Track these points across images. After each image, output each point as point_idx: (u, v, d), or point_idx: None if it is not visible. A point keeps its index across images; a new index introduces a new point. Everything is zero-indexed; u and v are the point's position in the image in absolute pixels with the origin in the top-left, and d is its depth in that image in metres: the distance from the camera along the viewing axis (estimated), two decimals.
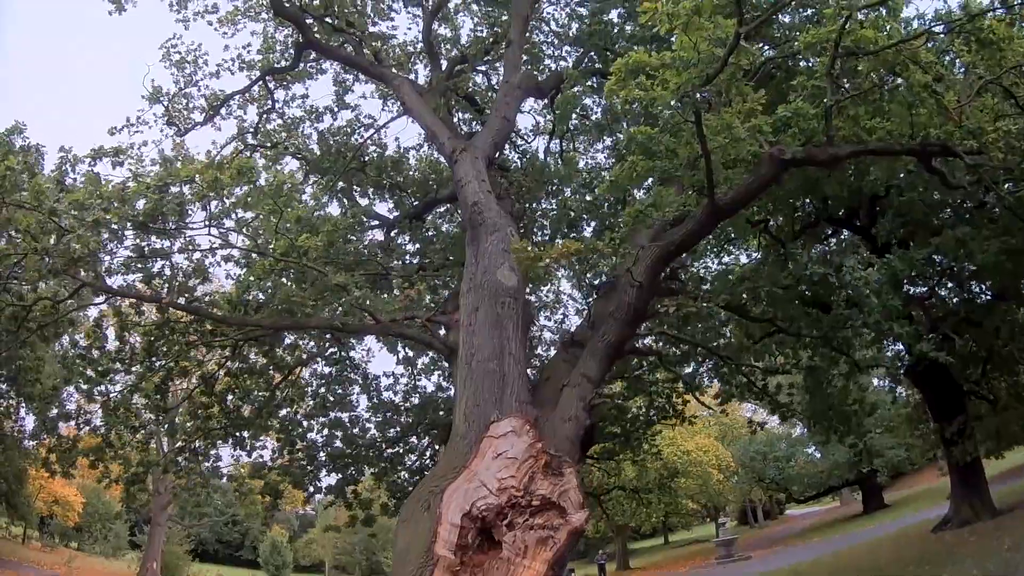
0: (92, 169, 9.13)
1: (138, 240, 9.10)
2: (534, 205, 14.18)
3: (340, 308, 9.43)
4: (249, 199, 8.53)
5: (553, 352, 11.69)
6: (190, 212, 8.72)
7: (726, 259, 19.13)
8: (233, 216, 8.99)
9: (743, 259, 19.10)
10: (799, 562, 20.34)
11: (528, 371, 8.45)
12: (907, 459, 35.54)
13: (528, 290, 10.01)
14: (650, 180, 8.32)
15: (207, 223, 8.70)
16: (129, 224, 8.33)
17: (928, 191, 13.01)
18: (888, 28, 7.89)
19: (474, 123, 16.09)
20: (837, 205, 18.45)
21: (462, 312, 8.49)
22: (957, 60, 9.90)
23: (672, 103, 5.90)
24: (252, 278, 9.36)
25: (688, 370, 13.35)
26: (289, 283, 9.73)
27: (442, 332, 9.85)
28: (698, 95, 5.69)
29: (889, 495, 37.53)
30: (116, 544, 49.29)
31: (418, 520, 6.46)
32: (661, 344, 12.12)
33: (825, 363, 12.20)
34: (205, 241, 10.15)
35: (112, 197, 8.12)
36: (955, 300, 18.52)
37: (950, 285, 19.10)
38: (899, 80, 8.00)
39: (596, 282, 10.90)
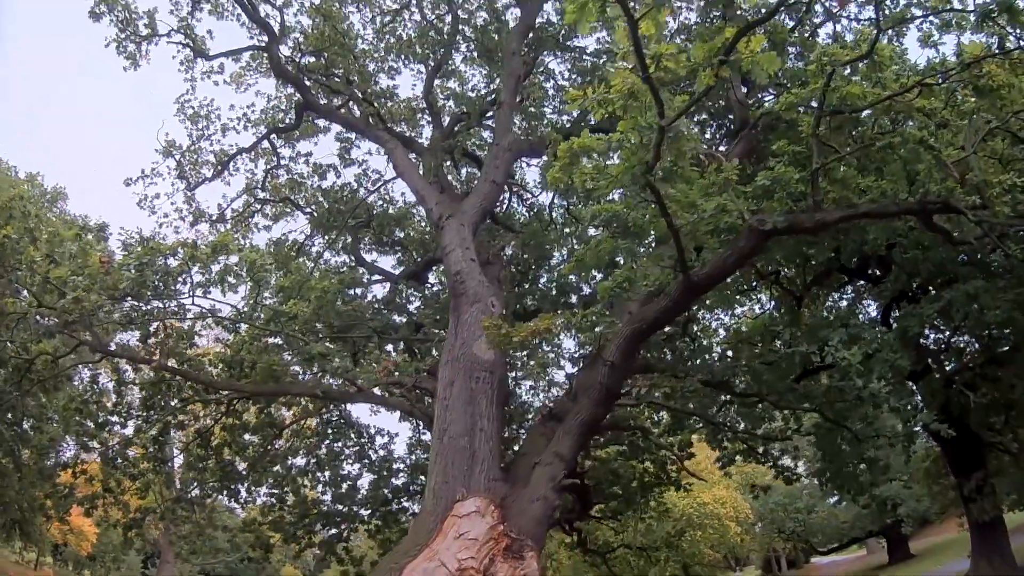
0: (79, 244, 9.41)
1: (133, 303, 9.34)
2: (534, 268, 14.27)
3: (324, 374, 9.52)
4: (227, 276, 8.73)
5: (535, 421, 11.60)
6: (175, 284, 8.95)
7: (738, 310, 19.02)
8: (217, 286, 9.20)
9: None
10: None
11: (502, 445, 8.41)
12: (931, 509, 34.43)
13: (509, 361, 10.04)
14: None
15: (191, 293, 8.91)
16: (116, 294, 8.56)
17: (934, 248, 12.65)
18: (876, 81, 7.67)
19: (476, 178, 16.38)
20: (848, 256, 18.20)
21: (439, 385, 8.52)
22: (959, 108, 9.72)
23: (617, 190, 5.86)
24: (243, 344, 9.51)
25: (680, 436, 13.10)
26: (277, 348, 9.86)
27: (428, 400, 9.89)
28: (657, 173, 5.51)
29: (915, 544, 36.32)
30: (128, 575, 49.28)
31: None
32: (644, 411, 11.97)
33: (822, 431, 11.87)
34: (194, 306, 10.38)
35: (96, 273, 8.38)
36: (971, 352, 18.09)
37: (966, 338, 18.69)
38: (893, 137, 7.69)
39: (579, 353, 10.83)
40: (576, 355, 11.34)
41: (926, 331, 17.54)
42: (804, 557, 53.80)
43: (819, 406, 9.56)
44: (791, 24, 11.29)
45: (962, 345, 18.18)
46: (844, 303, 20.30)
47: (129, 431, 12.17)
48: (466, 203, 11.09)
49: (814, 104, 7.12)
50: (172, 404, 11.68)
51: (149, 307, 9.58)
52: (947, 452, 19.76)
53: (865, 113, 7.42)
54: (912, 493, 29.61)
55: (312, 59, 15.86)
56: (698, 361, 9.53)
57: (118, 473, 12.29)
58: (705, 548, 41.00)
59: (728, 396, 10.43)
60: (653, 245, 8.47)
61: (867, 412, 10.55)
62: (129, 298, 8.84)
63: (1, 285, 9.70)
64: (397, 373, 9.05)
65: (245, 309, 9.40)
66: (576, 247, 13.72)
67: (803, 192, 7.37)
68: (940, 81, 7.06)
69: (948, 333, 17.29)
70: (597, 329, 7.93)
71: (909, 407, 17.21)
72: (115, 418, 11.83)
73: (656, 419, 12.99)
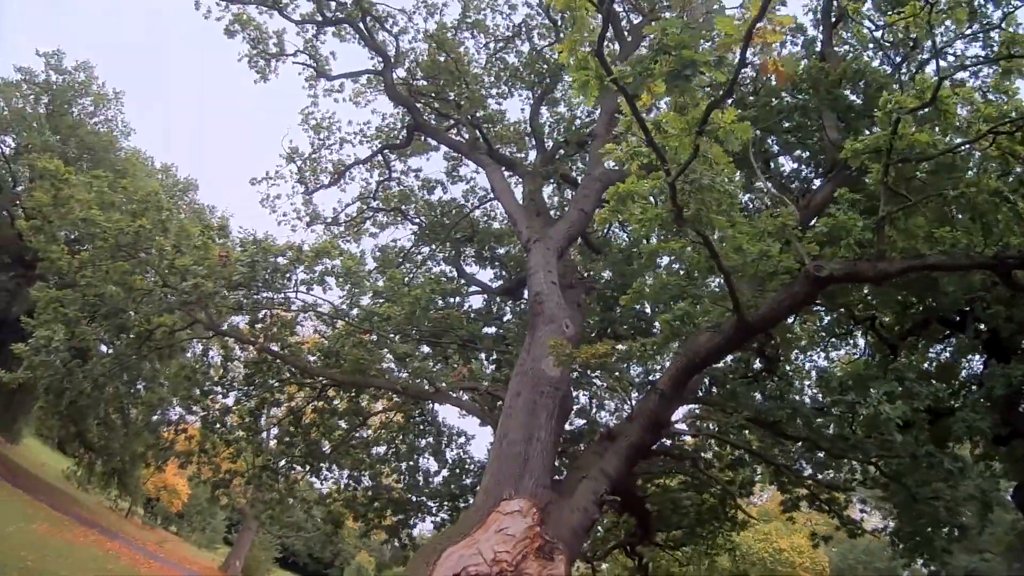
0: (202, 239, 10.83)
1: (244, 292, 10.67)
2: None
3: (408, 373, 10.48)
4: (326, 277, 9.87)
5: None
6: (283, 279, 10.19)
7: (833, 354, 18.62)
8: (318, 285, 10.39)
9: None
10: None
11: (560, 457, 9.01)
12: None
13: (584, 382, 10.55)
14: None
15: (295, 288, 10.13)
16: (230, 284, 9.89)
17: (1018, 305, 12.12)
18: (946, 131, 7.61)
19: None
20: (950, 305, 17.46)
21: (507, 394, 9.26)
22: None
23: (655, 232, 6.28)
24: (338, 337, 10.65)
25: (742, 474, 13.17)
26: (367, 345, 10.92)
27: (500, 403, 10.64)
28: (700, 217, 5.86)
29: None
30: (212, 537, 52.73)
31: (417, 572, 7.19)
32: (706, 444, 12.19)
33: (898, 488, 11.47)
34: (297, 300, 11.64)
35: (215, 264, 9.72)
36: None
37: None
38: (966, 187, 7.47)
39: (640, 380, 11.25)
40: (642, 382, 11.77)
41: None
42: None
43: (873, 459, 9.48)
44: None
45: None
46: (947, 354, 19.45)
47: (230, 401, 13.68)
48: (554, 229, 11.81)
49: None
50: (270, 383, 13.05)
51: (258, 297, 10.89)
52: None
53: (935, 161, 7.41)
54: (990, 567, 27.48)
55: (424, 83, 17.23)
56: (783, 402, 9.46)
57: (215, 436, 13.74)
58: None
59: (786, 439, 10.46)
60: (718, 283, 8.81)
61: (934, 473, 10.25)
62: (241, 287, 10.12)
63: (132, 265, 11.24)
64: (469, 378, 9.87)
65: (343, 307, 10.52)
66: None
67: (870, 240, 7.50)
68: (1013, 129, 6.99)
69: None
70: (656, 357, 8.40)
71: (988, 473, 16.31)
72: (219, 388, 13.34)
73: (720, 452, 13.13)
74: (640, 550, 16.92)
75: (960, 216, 7.75)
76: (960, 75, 9.79)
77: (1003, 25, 8.55)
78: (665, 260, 10.34)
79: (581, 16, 3.34)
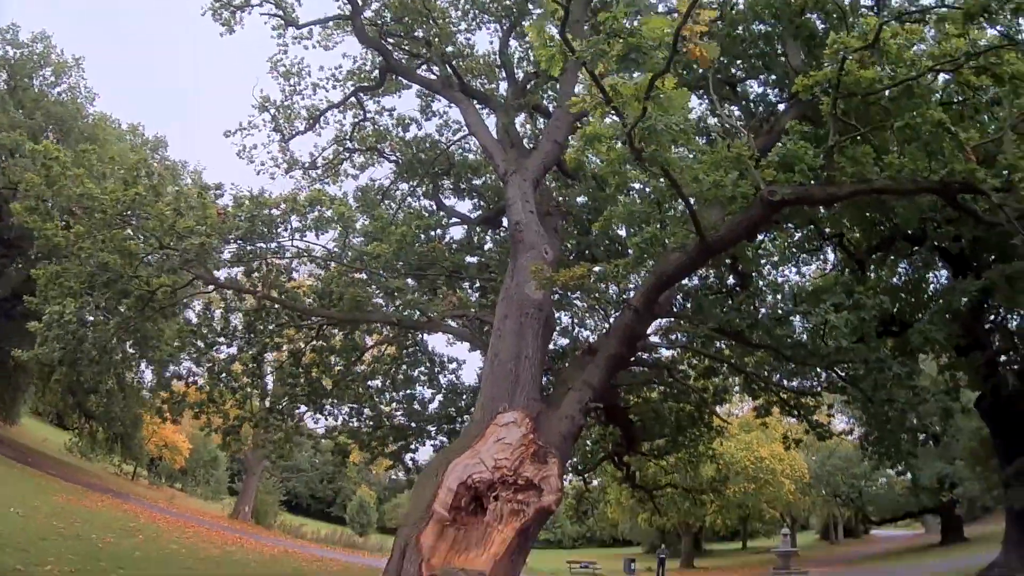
0: (200, 200, 11.22)
1: (240, 244, 11.17)
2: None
3: (400, 305, 11.15)
4: (320, 223, 10.38)
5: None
6: (279, 230, 10.70)
7: (805, 269, 19.48)
8: (311, 231, 10.91)
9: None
10: None
11: (544, 372, 9.81)
12: (990, 494, 33.97)
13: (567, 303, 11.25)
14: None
15: (291, 236, 10.66)
16: (229, 238, 10.39)
17: (964, 225, 12.89)
18: (888, 68, 8.20)
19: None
20: (905, 224, 18.25)
21: (495, 318, 9.99)
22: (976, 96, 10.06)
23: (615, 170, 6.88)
24: (332, 278, 11.23)
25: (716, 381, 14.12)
26: (362, 282, 11.52)
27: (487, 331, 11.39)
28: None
29: (974, 530, 36.00)
30: (216, 488, 54.49)
31: (427, 484, 8.07)
32: (682, 356, 13.08)
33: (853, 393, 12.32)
34: (292, 247, 12.07)
35: (215, 222, 10.19)
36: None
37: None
38: (912, 119, 7.96)
39: (624, 297, 11.98)
40: (617, 299, 12.55)
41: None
42: (864, 528, 53.95)
43: (830, 365, 10.32)
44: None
45: (1015, 325, 18.10)
46: (912, 269, 20.41)
47: (233, 351, 14.29)
48: (529, 160, 12.30)
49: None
50: (270, 328, 13.67)
51: (255, 248, 11.40)
52: (996, 435, 19.74)
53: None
54: (958, 472, 29.41)
55: (393, 23, 17.18)
56: (744, 314, 10.20)
57: (221, 386, 14.43)
58: (761, 504, 42.05)
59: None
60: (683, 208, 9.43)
61: (894, 382, 11.07)
62: (240, 241, 10.62)
63: (133, 229, 11.63)
64: (459, 306, 10.57)
65: (335, 250, 11.08)
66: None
67: (822, 166, 8.15)
68: (951, 69, 7.59)
69: (998, 313, 17.25)
70: (625, 275, 9.10)
71: (952, 382, 17.35)
72: (222, 339, 13.94)
73: (694, 363, 14.05)
74: (627, 460, 18.09)
75: (908, 145, 8.31)
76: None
77: None
78: (636, 185, 10.90)
79: (548, 2, 3.80)
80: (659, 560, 35.93)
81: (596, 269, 8.84)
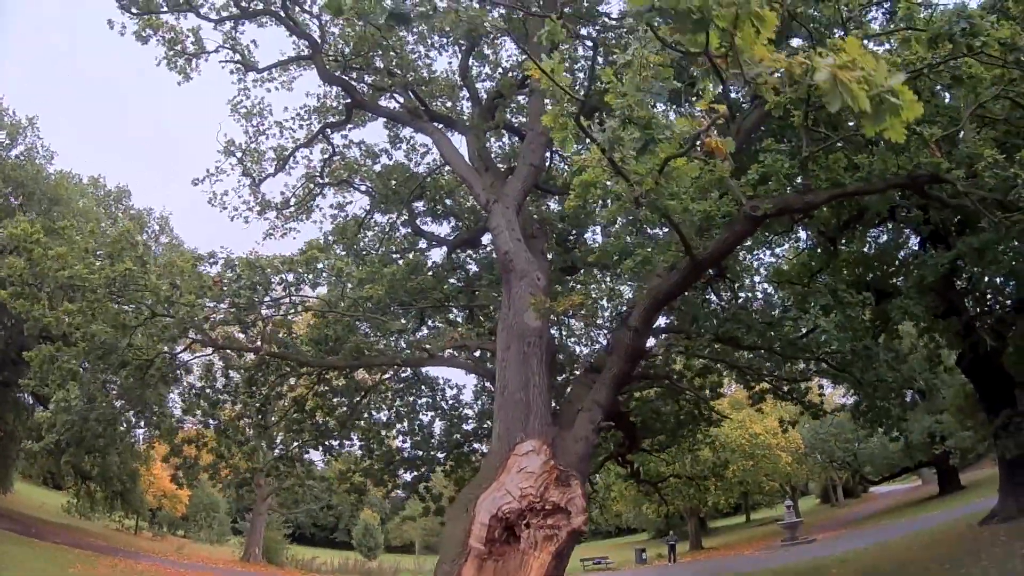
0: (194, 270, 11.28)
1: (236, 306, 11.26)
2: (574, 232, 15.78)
3: (401, 346, 11.37)
4: (318, 279, 10.60)
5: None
6: (273, 288, 10.86)
7: (778, 250, 20.06)
8: (307, 282, 11.09)
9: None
10: (849, 550, 21.29)
11: (553, 394, 10.11)
12: (982, 444, 35.11)
13: (558, 321, 11.61)
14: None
15: (287, 292, 10.82)
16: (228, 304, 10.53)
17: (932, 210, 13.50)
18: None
19: (519, 147, 17.72)
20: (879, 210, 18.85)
21: (498, 349, 10.27)
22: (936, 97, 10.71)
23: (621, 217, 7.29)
24: (327, 324, 11.41)
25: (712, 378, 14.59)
26: (359, 328, 11.71)
27: (490, 360, 11.68)
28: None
29: (970, 476, 37.16)
30: (220, 531, 53.99)
31: (458, 519, 8.33)
32: (675, 359, 13.51)
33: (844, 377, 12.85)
34: (288, 300, 12.19)
35: (213, 291, 10.34)
36: (995, 297, 18.79)
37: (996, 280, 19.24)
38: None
39: (618, 312, 12.35)
40: (613, 315, 12.90)
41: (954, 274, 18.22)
42: (863, 487, 55.23)
43: (820, 357, 10.82)
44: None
45: (986, 291, 18.84)
46: (884, 237, 21.09)
47: (238, 407, 14.35)
48: (509, 187, 12.53)
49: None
50: (271, 379, 13.79)
51: (253, 306, 11.50)
52: (979, 389, 20.58)
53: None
54: (946, 427, 30.35)
55: (353, 56, 17.26)
56: (739, 323, 10.58)
57: (229, 441, 14.47)
58: (760, 477, 42.89)
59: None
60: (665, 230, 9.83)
61: (879, 356, 11.67)
62: (238, 307, 10.75)
63: (123, 302, 11.65)
64: (459, 340, 10.84)
65: (330, 299, 11.26)
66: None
67: (796, 174, 8.62)
68: (914, 76, 8.04)
69: (969, 279, 17.95)
70: (629, 295, 9.50)
71: (932, 344, 18.03)
72: (225, 396, 14.00)
73: (688, 364, 14.46)
74: (630, 458, 18.51)
75: (876, 146, 8.80)
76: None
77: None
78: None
79: (560, 94, 4.07)
80: (669, 547, 36.50)
81: (593, 294, 9.13)
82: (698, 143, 3.87)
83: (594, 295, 9.38)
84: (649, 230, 9.15)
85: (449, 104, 18.28)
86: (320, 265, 10.79)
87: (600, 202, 7.17)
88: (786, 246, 20.64)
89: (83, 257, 11.54)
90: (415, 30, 17.92)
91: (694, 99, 4.26)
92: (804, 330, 10.38)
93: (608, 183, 5.93)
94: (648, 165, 4.62)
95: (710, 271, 14.07)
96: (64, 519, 34.51)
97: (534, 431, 8.94)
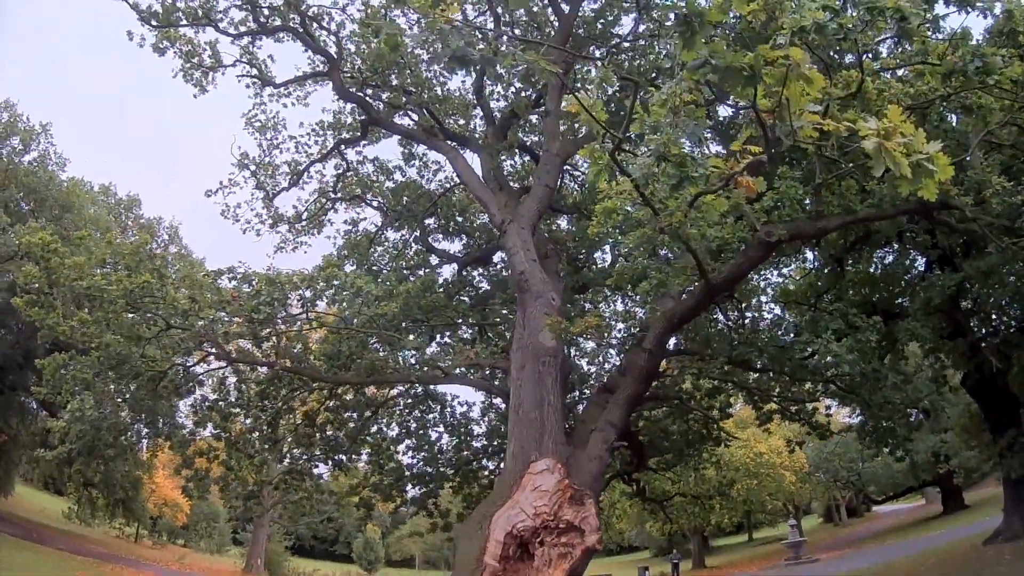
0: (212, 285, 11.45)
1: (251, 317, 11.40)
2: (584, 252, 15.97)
3: (414, 363, 11.50)
4: (336, 295, 10.75)
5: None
6: (289, 303, 11.02)
7: (784, 270, 20.20)
8: (324, 298, 11.24)
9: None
10: (853, 570, 21.28)
11: (566, 415, 10.22)
12: (986, 464, 35.02)
13: (571, 342, 11.74)
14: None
15: (304, 308, 10.98)
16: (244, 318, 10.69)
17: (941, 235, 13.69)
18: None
19: (531, 167, 17.93)
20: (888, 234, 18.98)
21: (512, 368, 10.39)
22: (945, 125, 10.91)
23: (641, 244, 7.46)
24: (342, 343, 11.55)
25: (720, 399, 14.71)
26: (372, 344, 11.84)
27: (503, 377, 11.80)
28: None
29: (973, 495, 37.05)
30: (220, 541, 53.87)
31: (473, 536, 8.43)
32: (686, 379, 13.64)
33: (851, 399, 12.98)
34: (303, 316, 12.30)
35: (230, 308, 10.51)
36: (1001, 319, 18.90)
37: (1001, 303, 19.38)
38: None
39: (631, 333, 12.48)
40: (625, 336, 13.03)
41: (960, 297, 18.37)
42: (866, 506, 54.98)
43: (829, 380, 10.94)
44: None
45: (992, 313, 18.97)
46: (890, 257, 21.24)
47: (248, 421, 14.44)
48: (524, 207, 12.72)
49: None
50: (283, 393, 13.89)
51: (269, 320, 11.64)
52: (984, 410, 20.67)
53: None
54: (950, 447, 30.33)
55: (371, 73, 17.48)
56: (751, 347, 10.76)
57: (239, 455, 14.53)
58: (764, 496, 42.76)
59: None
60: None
61: (887, 378, 11.79)
62: (255, 323, 10.89)
63: (139, 316, 11.80)
64: (474, 360, 10.97)
65: (347, 314, 11.40)
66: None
67: (810, 200, 8.79)
68: (926, 106, 8.30)
69: (976, 301, 18.08)
70: (641, 316, 9.65)
71: (938, 364, 18.14)
72: (237, 410, 14.09)
73: (697, 384, 14.59)
74: (637, 476, 18.58)
75: (887, 173, 8.98)
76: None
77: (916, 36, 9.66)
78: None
79: (598, 129, 4.23)
80: (673, 565, 36.36)
81: (607, 315, 9.27)
82: (731, 182, 4.04)
83: (607, 315, 9.48)
84: (663, 253, 9.29)
85: (462, 122, 18.56)
86: (337, 282, 10.92)
87: (619, 227, 7.31)
88: (793, 266, 20.81)
89: (101, 267, 11.70)
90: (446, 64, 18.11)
91: (717, 138, 4.41)
92: (813, 351, 10.49)
93: (629, 208, 6.09)
94: (679, 200, 4.78)
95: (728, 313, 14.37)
96: (65, 525, 34.53)
97: (548, 450, 9.05)
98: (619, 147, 4.80)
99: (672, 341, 12.24)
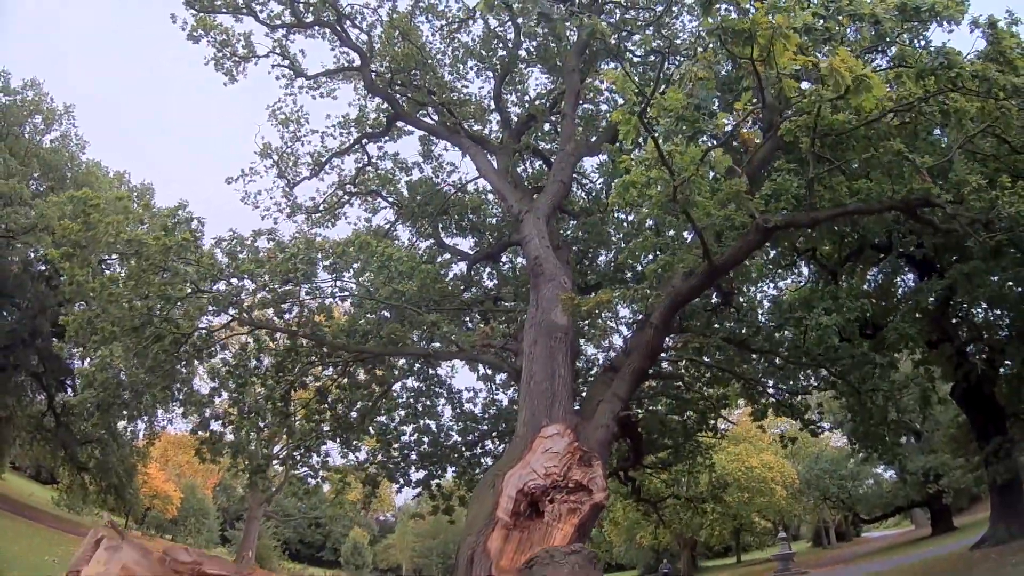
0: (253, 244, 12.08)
1: (276, 286, 12.01)
2: (593, 248, 16.69)
3: (432, 339, 12.13)
4: (366, 265, 11.41)
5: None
6: (318, 271, 11.67)
7: (781, 284, 20.91)
8: (351, 270, 11.89)
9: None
10: None
11: (574, 389, 10.85)
12: (975, 484, 35.49)
13: (577, 328, 12.36)
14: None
15: (334, 278, 11.64)
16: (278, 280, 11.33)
17: (925, 234, 14.42)
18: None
19: (543, 172, 18.69)
20: (877, 233, 19.70)
21: (524, 344, 11.05)
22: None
23: (655, 213, 8.16)
24: (363, 315, 12.18)
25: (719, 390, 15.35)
26: (391, 319, 12.47)
27: (513, 358, 12.44)
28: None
29: (963, 519, 37.45)
30: (208, 537, 53.97)
31: (485, 495, 9.03)
32: (688, 367, 14.31)
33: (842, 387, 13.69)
34: (329, 286, 12.90)
35: (269, 265, 11.14)
36: (988, 325, 19.62)
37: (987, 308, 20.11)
38: (877, 151, 9.70)
39: (632, 320, 13.20)
40: (630, 321, 13.70)
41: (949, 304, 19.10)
42: (855, 530, 55.27)
43: (821, 364, 11.62)
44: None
45: (977, 319, 19.70)
46: (882, 275, 22.00)
47: (262, 391, 15.00)
48: (539, 200, 13.47)
49: None
50: (298, 367, 14.46)
51: (297, 288, 12.30)
52: (972, 419, 21.32)
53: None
54: (943, 465, 30.85)
55: (397, 72, 18.24)
56: (743, 330, 11.51)
57: (250, 425, 15.07)
58: (753, 513, 43.15)
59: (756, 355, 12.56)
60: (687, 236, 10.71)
61: (878, 374, 12.48)
62: (289, 283, 11.54)
63: (170, 274, 12.42)
64: (490, 336, 11.61)
65: (370, 287, 12.06)
66: (629, 228, 16.06)
67: (804, 194, 9.51)
68: (907, 109, 9.04)
69: (964, 306, 18.82)
70: (650, 300, 10.34)
71: (927, 375, 18.84)
72: (254, 378, 14.66)
73: (698, 374, 15.23)
74: (632, 474, 19.12)
75: (874, 171, 9.73)
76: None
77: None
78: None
79: (630, 93, 4.95)
80: (663, 574, 36.64)
81: (616, 294, 9.94)
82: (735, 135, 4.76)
83: (616, 295, 10.12)
84: (670, 234, 9.99)
85: (477, 127, 19.35)
86: (367, 252, 11.54)
87: (637, 202, 7.98)
88: (789, 280, 21.54)
89: (138, 224, 12.26)
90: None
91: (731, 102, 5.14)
92: (806, 327, 11.14)
93: (648, 177, 6.75)
94: (691, 155, 5.48)
95: (717, 298, 15.04)
96: (54, 510, 34.68)
97: (559, 416, 9.69)
98: (647, 107, 5.50)
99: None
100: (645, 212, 8.19)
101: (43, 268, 29.05)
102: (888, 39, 7.66)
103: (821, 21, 6.50)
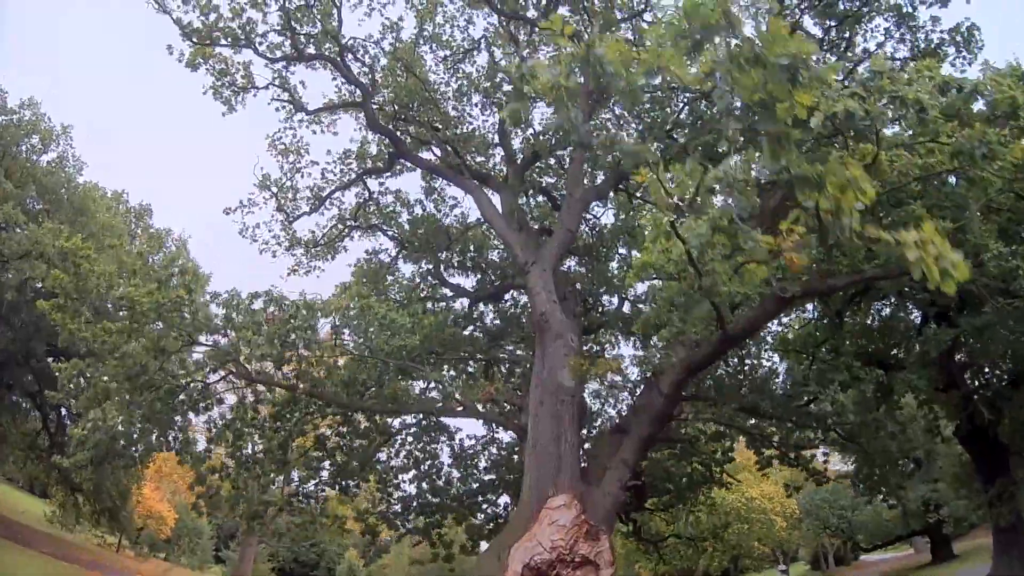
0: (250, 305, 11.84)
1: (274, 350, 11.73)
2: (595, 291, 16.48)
3: (434, 393, 11.90)
4: (367, 324, 11.19)
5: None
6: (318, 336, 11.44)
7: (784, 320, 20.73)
8: (349, 328, 11.67)
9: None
10: None
11: (581, 451, 10.62)
12: (976, 512, 35.17)
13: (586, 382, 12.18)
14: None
15: (334, 335, 11.41)
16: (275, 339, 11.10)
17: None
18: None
19: (549, 208, 18.48)
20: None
21: (531, 404, 10.80)
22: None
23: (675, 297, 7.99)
24: (360, 372, 11.95)
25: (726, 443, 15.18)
26: (391, 373, 12.21)
27: (518, 414, 12.21)
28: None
29: (963, 545, 37.07)
30: (202, 557, 53.23)
31: (491, 567, 8.76)
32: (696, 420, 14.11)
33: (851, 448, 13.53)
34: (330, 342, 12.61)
35: (268, 329, 10.93)
36: (994, 372, 19.51)
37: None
38: (897, 215, 9.63)
39: (639, 378, 12.99)
40: (637, 379, 13.50)
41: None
42: (853, 555, 54.77)
43: (830, 427, 11.45)
44: None
45: (984, 367, 19.59)
46: (887, 310, 21.86)
47: (260, 443, 14.65)
48: (546, 250, 13.16)
49: None
50: (298, 416, 14.14)
51: (290, 341, 12.01)
52: (976, 459, 21.17)
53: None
54: (941, 496, 30.66)
55: (400, 107, 18.00)
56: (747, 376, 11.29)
57: (248, 474, 14.70)
58: (753, 541, 42.76)
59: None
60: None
61: (886, 427, 12.36)
62: (285, 346, 11.29)
63: (165, 328, 12.17)
64: (493, 395, 11.39)
65: (373, 343, 11.81)
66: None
67: (821, 259, 9.33)
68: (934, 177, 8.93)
69: (969, 355, 18.68)
70: (656, 360, 10.15)
71: (932, 416, 18.71)
72: (252, 430, 14.32)
73: (703, 428, 15.03)
74: (634, 516, 18.86)
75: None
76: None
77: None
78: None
79: (663, 202, 4.73)
80: None
81: (625, 361, 9.75)
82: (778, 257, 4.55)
83: (624, 359, 10.00)
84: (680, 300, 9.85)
85: (480, 159, 19.11)
86: (369, 314, 11.33)
87: (651, 278, 7.84)
88: (793, 316, 21.38)
89: (132, 276, 12.02)
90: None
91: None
92: (815, 395, 10.98)
93: (665, 260, 6.59)
94: (726, 266, 5.30)
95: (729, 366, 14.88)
96: (47, 528, 34.13)
97: (564, 484, 9.44)
98: (679, 218, 5.32)
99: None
100: (668, 291, 8.00)
101: (39, 286, 28.76)
102: (929, 125, 7.51)
103: (863, 102, 6.31)
